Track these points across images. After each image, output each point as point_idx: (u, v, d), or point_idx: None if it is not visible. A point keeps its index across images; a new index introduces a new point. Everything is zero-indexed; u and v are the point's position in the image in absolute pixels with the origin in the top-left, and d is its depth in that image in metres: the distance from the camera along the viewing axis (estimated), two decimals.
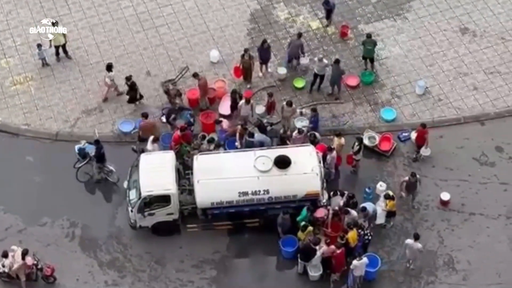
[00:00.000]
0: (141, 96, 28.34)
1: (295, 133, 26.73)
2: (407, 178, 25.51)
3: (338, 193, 25.25)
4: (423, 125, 26.59)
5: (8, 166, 27.13)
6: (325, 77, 28.63)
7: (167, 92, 28.12)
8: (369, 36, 28.88)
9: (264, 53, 28.85)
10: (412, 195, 25.89)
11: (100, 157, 26.24)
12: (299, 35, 29.17)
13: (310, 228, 24.39)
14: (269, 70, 29.43)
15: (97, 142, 26.20)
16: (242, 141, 26.51)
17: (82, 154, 26.43)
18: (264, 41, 28.81)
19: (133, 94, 28.03)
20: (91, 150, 26.28)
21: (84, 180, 26.78)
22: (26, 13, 31.01)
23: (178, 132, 26.38)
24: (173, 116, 27.20)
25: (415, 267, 25.00)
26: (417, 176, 25.50)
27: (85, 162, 26.54)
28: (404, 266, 25.09)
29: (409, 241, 24.34)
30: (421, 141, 26.79)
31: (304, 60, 29.44)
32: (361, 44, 29.40)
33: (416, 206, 26.11)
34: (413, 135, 27.20)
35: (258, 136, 26.45)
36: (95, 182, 26.74)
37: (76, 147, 26.53)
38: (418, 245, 24.27)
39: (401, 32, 30.77)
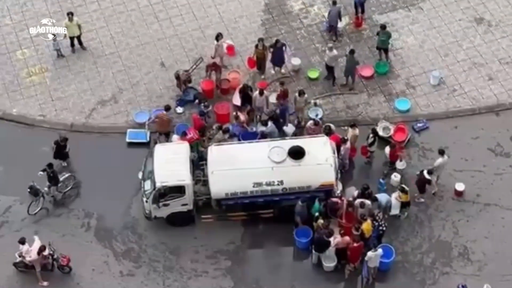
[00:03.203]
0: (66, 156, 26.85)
1: (309, 123, 26.74)
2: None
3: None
4: (392, 146, 26.14)
5: (24, 157, 27.28)
6: (335, 69, 28.53)
7: (177, 77, 28.19)
8: (383, 27, 28.77)
9: (278, 53, 28.42)
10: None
11: (55, 179, 25.69)
12: (334, 2, 29.31)
13: (320, 221, 24.38)
14: (282, 70, 29.17)
15: (50, 166, 25.52)
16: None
17: (34, 191, 25.41)
18: (277, 41, 28.44)
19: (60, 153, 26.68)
20: (45, 175, 25.50)
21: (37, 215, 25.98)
22: (41, 4, 31.09)
23: (197, 116, 26.81)
24: (205, 103, 27.29)
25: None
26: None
27: (40, 207, 25.74)
28: (419, 257, 25.11)
29: (439, 160, 25.42)
30: (394, 158, 26.32)
31: (340, 24, 29.81)
32: (376, 34, 29.31)
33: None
34: (387, 149, 26.47)
35: (269, 127, 26.47)
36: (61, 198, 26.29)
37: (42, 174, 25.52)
38: (445, 158, 25.49)
39: (415, 22, 30.63)
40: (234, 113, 27.34)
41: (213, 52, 28.56)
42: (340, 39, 30.07)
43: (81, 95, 28.86)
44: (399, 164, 26.51)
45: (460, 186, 26.17)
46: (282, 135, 26.88)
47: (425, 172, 25.30)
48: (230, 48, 29.33)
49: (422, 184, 25.48)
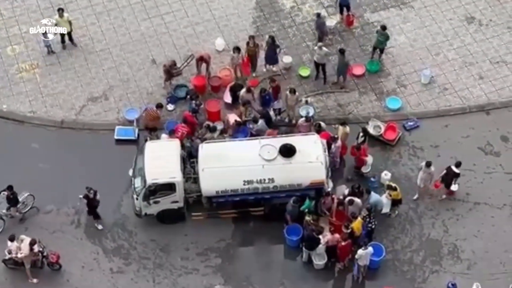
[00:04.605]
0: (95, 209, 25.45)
1: (301, 120, 26.75)
2: None
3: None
4: (358, 147, 25.95)
5: (13, 154, 27.19)
6: (326, 66, 28.53)
7: (166, 72, 28.10)
8: (383, 27, 28.68)
9: (271, 52, 28.33)
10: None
11: (14, 200, 25.12)
12: (318, 14, 29.22)
13: (307, 218, 24.39)
14: (274, 68, 29.09)
15: (10, 188, 24.89)
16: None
17: None
18: (273, 39, 28.31)
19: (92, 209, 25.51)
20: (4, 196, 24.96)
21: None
22: (32, 0, 30.96)
23: (189, 113, 26.69)
24: (197, 101, 27.16)
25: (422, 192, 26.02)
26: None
27: (1, 229, 25.04)
28: (409, 255, 25.17)
29: (427, 169, 25.31)
30: (360, 163, 26.32)
31: (331, 23, 30.10)
32: (375, 32, 29.22)
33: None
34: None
35: (259, 124, 26.46)
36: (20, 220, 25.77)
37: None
38: (432, 169, 25.19)
39: (407, 21, 30.68)
40: (233, 122, 26.92)
41: (230, 62, 28.70)
42: (331, 37, 30.06)
43: (72, 91, 28.77)
44: (364, 168, 26.43)
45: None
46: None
47: (453, 167, 25.27)
48: (244, 65, 28.83)
49: (450, 178, 25.39)
